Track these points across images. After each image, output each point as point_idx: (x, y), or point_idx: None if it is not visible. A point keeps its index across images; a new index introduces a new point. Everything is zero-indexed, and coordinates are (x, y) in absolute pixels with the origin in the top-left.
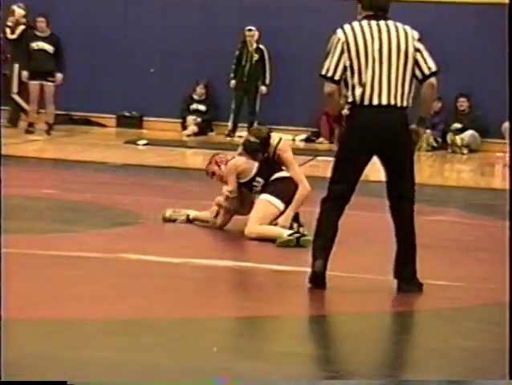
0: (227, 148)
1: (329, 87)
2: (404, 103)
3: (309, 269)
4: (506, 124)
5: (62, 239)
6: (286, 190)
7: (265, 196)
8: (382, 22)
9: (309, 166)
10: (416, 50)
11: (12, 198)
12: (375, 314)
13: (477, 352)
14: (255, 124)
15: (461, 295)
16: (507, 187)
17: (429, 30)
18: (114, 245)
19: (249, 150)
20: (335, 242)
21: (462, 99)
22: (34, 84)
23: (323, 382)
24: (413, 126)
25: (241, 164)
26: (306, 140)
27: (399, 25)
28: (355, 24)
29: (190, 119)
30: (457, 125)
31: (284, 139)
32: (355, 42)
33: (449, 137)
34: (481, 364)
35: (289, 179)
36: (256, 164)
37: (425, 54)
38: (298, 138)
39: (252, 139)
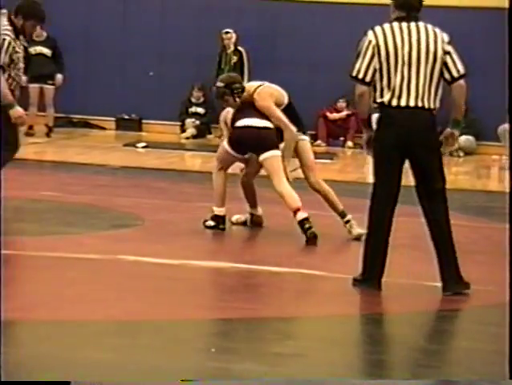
0: None
1: (360, 89)
2: (432, 105)
3: (306, 271)
4: (502, 127)
5: (61, 241)
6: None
7: (276, 152)
8: (413, 24)
9: None
10: (446, 52)
11: (11, 200)
12: (373, 316)
13: (474, 353)
14: None
15: (458, 297)
16: (503, 189)
17: None
18: (113, 247)
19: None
20: (337, 242)
21: None
22: (33, 88)
23: (321, 382)
24: (448, 129)
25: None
26: None
27: (429, 27)
28: (386, 26)
29: (189, 121)
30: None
31: (265, 87)
32: (385, 46)
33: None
34: (478, 365)
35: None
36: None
37: (454, 56)
38: None
39: (218, 84)
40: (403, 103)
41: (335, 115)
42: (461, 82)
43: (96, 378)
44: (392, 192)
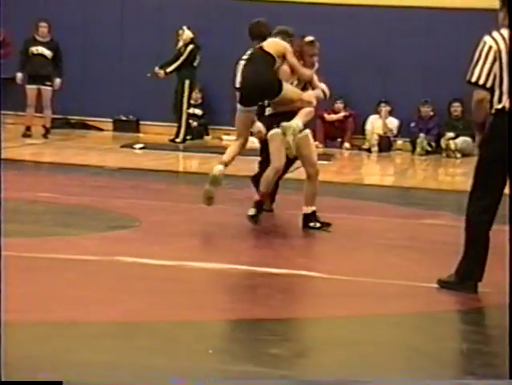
0: (223, 152)
1: (480, 94)
2: None
3: (304, 272)
4: None
5: (58, 242)
6: None
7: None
8: None
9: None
10: None
11: (9, 202)
12: (370, 317)
13: (472, 355)
14: None
15: (455, 298)
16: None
17: (425, 33)
18: (110, 248)
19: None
20: (335, 244)
21: (456, 104)
22: (31, 88)
23: (319, 383)
24: None
25: None
26: None
27: None
28: (504, 32)
29: None
30: (451, 134)
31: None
32: (506, 51)
33: (443, 142)
34: (475, 367)
35: None
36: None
37: None
38: None
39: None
40: None
41: (332, 117)
42: None
43: (94, 379)
44: (494, 200)
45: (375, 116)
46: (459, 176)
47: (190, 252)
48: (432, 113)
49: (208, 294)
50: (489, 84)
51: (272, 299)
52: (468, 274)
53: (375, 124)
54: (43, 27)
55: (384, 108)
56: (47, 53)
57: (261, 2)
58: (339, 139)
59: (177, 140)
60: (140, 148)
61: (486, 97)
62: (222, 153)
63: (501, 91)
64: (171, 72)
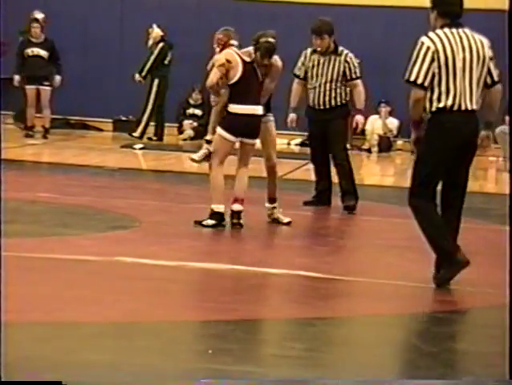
0: None
1: (418, 94)
2: (478, 108)
3: (303, 272)
4: (500, 129)
5: (58, 242)
6: None
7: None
8: (460, 31)
9: (304, 170)
10: (490, 58)
11: (9, 202)
12: (370, 317)
13: (472, 355)
14: None
15: (455, 298)
16: (500, 191)
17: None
18: (110, 249)
19: (266, 51)
20: (334, 244)
21: None
22: (30, 89)
23: (318, 383)
24: (483, 132)
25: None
26: (302, 145)
27: (473, 33)
28: (440, 32)
29: (186, 123)
30: None
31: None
32: (444, 52)
33: None
34: (477, 367)
35: None
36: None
37: (494, 61)
38: (293, 142)
39: (271, 39)
40: (462, 107)
41: None
42: (499, 86)
43: (94, 379)
44: (432, 192)
45: (375, 116)
46: None
47: (190, 252)
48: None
49: (207, 294)
50: (426, 83)
51: (272, 299)
52: (447, 255)
53: (375, 124)
54: (36, 28)
55: (384, 108)
56: (43, 53)
57: (261, 2)
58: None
59: (135, 135)
60: (140, 149)
61: (423, 96)
62: None
63: (440, 90)
64: (147, 75)
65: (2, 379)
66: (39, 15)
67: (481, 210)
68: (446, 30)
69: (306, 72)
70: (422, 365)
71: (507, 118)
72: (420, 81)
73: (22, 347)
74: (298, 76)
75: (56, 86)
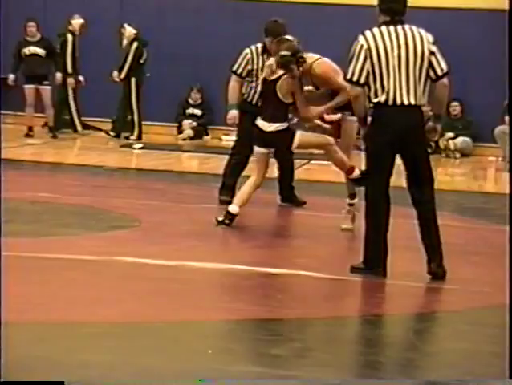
0: (222, 152)
1: (354, 91)
2: (421, 102)
3: (303, 272)
4: (499, 128)
5: (58, 242)
6: None
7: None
8: (399, 27)
9: (304, 170)
10: (431, 52)
11: (9, 202)
12: (370, 317)
13: (471, 355)
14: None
15: (455, 298)
16: (500, 191)
17: None
18: (110, 248)
19: (282, 65)
20: (335, 244)
21: (455, 104)
22: (29, 88)
23: (318, 383)
24: (430, 124)
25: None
26: None
27: (414, 28)
28: (376, 31)
29: (186, 123)
30: (450, 134)
31: (325, 60)
32: (376, 50)
33: (442, 142)
34: (474, 366)
35: None
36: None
37: (438, 56)
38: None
39: (283, 52)
40: (398, 101)
41: (331, 117)
42: (445, 80)
43: (94, 379)
44: (385, 185)
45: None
46: (458, 176)
47: (190, 252)
48: (431, 113)
49: (208, 294)
50: (362, 81)
51: (272, 299)
52: (374, 260)
53: None
54: (31, 27)
55: None
56: (40, 51)
57: (261, 2)
58: (339, 140)
59: (132, 138)
60: (140, 148)
61: (361, 93)
62: (222, 153)
63: (375, 86)
64: (126, 75)
65: (2, 379)
66: (79, 20)
67: (481, 210)
68: (383, 27)
69: None
70: (423, 365)
71: (507, 118)
72: (355, 78)
73: (22, 347)
74: None
75: (58, 83)
